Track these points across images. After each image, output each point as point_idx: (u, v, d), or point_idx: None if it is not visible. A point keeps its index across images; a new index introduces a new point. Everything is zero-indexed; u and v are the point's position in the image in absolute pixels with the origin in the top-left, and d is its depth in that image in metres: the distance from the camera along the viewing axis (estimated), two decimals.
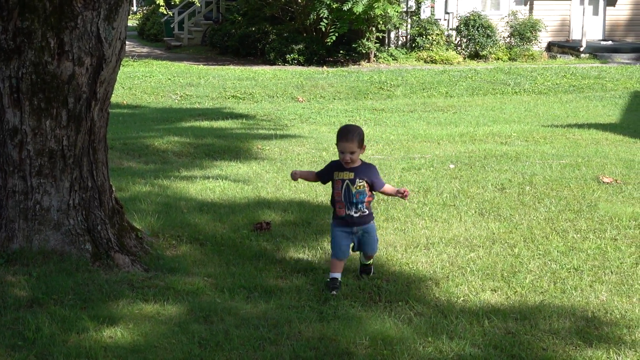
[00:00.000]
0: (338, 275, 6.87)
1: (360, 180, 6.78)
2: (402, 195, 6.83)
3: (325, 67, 30.84)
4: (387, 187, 6.93)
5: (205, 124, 18.20)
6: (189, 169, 12.12)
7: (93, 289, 6.64)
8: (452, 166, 11.96)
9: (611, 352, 5.67)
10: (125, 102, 23.44)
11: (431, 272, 7.37)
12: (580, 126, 17.64)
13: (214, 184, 10.74)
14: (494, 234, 8.50)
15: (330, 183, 6.97)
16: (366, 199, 6.83)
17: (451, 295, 6.81)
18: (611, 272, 7.39)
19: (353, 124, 6.82)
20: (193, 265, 7.49)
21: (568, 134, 16.34)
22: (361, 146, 6.78)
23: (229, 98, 24.86)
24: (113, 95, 7.87)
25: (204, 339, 5.77)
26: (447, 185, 10.62)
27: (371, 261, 7.19)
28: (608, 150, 13.94)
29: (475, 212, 9.35)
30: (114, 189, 7.71)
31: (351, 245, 6.97)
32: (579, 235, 8.44)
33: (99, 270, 7.05)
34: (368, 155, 13.39)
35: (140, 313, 6.24)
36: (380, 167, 11.98)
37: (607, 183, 10.67)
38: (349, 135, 6.72)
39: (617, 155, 13.21)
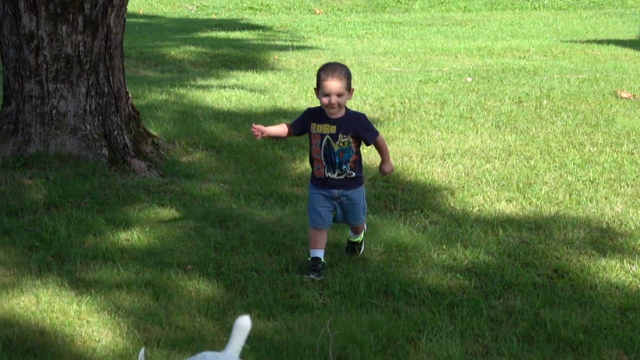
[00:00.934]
0: (320, 254, 5.44)
1: (345, 136, 5.33)
2: (387, 170, 5.58)
3: None
4: (381, 140, 5.51)
5: (221, 34, 18.10)
6: (205, 78, 12.09)
7: (109, 193, 6.69)
8: (469, 79, 11.89)
9: (625, 262, 5.68)
10: (141, 11, 23.28)
11: (447, 182, 7.37)
12: (599, 42, 17.46)
13: (230, 93, 10.72)
14: (510, 146, 8.48)
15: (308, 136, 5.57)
16: (352, 158, 5.40)
17: (466, 204, 6.81)
18: (627, 184, 7.38)
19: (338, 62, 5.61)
20: (209, 171, 7.51)
21: (587, 49, 16.18)
22: (350, 89, 5.35)
23: (245, 9, 24.67)
24: (129, 4, 7.81)
25: (219, 242, 5.81)
26: (464, 97, 10.57)
27: (360, 238, 5.71)
28: (627, 66, 13.81)
29: (492, 124, 9.31)
30: (130, 95, 7.70)
31: (333, 212, 5.50)
32: (595, 149, 8.41)
33: (115, 175, 7.09)
34: (385, 67, 13.31)
35: (157, 217, 6.29)
36: (398, 80, 11.92)
37: (625, 98, 10.60)
38: (336, 71, 5.27)
39: (636, 71, 13.10)
